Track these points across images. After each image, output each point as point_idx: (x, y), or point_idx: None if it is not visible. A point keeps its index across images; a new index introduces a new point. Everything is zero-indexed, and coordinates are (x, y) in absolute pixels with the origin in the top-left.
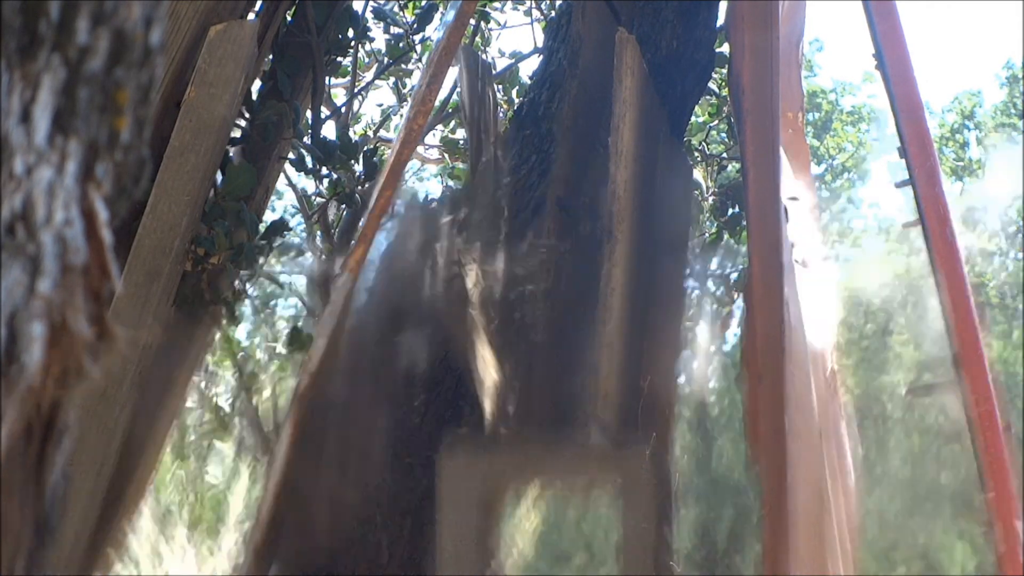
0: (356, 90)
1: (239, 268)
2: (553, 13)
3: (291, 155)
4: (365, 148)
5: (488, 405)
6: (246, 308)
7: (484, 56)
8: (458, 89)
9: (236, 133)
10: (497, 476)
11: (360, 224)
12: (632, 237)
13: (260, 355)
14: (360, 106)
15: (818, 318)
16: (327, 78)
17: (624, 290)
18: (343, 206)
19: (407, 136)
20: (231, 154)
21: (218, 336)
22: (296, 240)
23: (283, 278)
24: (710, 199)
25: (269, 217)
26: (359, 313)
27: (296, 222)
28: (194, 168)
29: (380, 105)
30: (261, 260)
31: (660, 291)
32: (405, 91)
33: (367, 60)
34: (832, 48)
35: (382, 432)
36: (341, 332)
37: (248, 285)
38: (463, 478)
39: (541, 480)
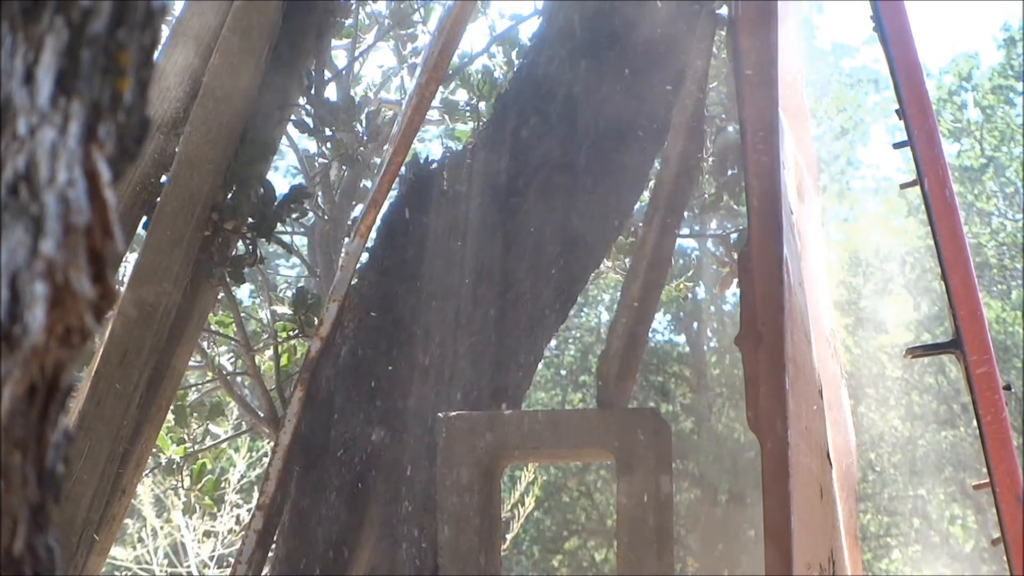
0: (357, 52)
1: (259, 235)
2: None
3: (293, 116)
4: (366, 109)
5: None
6: (249, 268)
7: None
8: (459, 50)
9: None
10: (498, 444)
11: (363, 186)
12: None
13: (262, 315)
14: (361, 68)
15: (817, 278)
16: (329, 40)
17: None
18: (344, 167)
19: (419, 103)
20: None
21: (221, 295)
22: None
23: (285, 238)
24: (709, 160)
25: (271, 178)
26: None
27: (297, 182)
28: (216, 138)
29: (381, 67)
30: (278, 225)
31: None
32: (406, 53)
33: (368, 22)
34: (831, 10)
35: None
36: (352, 297)
37: (254, 247)
38: (464, 447)
39: (541, 449)
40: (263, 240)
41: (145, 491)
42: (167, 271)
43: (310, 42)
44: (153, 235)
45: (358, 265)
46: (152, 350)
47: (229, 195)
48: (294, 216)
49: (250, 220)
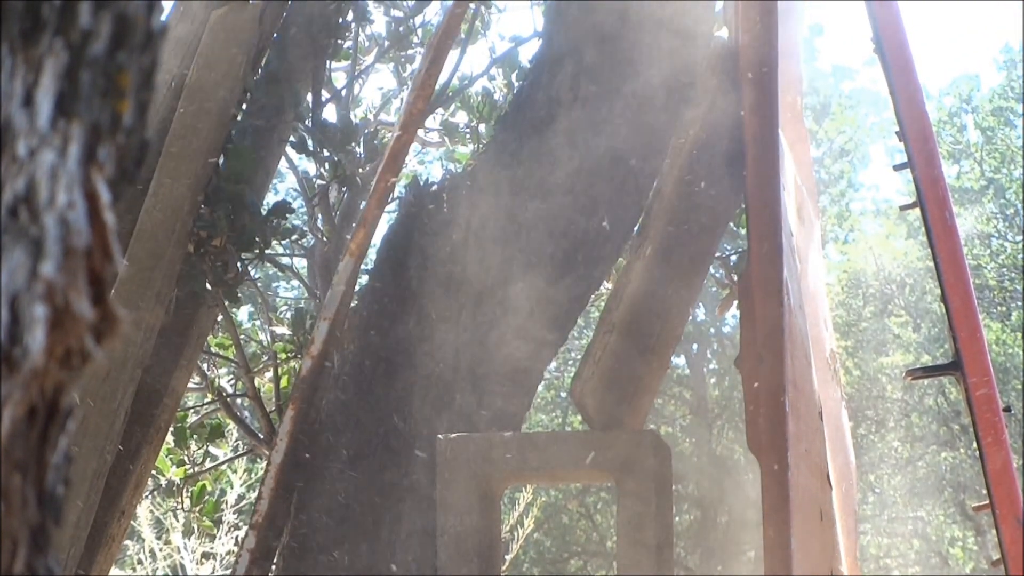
0: (356, 73)
1: (241, 250)
2: None
3: (292, 137)
4: (365, 131)
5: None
6: (248, 289)
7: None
8: (459, 72)
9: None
10: (498, 466)
11: (362, 207)
12: (666, 238)
13: (262, 336)
14: (361, 89)
15: (817, 300)
16: (328, 61)
17: (643, 284)
18: (344, 188)
19: (407, 120)
20: (232, 136)
21: (220, 317)
22: (297, 222)
23: (284, 260)
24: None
25: (271, 199)
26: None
27: (297, 204)
28: (196, 151)
29: (381, 88)
30: (259, 240)
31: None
32: (405, 75)
33: (367, 44)
34: (831, 32)
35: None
36: (344, 316)
37: (250, 267)
38: (464, 469)
39: (541, 471)
40: (256, 260)
41: (144, 513)
42: (148, 286)
43: (307, 62)
44: (134, 250)
45: (357, 287)
46: (136, 366)
47: (212, 211)
48: (278, 232)
49: (235, 236)
